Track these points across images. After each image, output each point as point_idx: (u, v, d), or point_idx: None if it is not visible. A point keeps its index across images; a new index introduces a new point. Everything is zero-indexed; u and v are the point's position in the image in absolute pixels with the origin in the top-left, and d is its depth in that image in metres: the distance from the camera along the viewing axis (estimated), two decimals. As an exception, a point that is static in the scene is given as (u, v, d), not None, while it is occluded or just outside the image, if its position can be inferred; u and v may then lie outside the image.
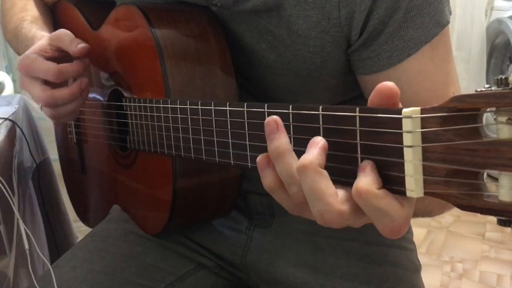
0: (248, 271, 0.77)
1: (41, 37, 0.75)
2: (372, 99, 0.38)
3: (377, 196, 0.36)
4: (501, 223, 0.32)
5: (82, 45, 0.68)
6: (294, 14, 0.60)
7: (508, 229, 2.16)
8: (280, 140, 0.40)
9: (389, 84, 0.37)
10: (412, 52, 0.58)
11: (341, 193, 0.38)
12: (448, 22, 0.59)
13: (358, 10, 0.57)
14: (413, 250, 0.79)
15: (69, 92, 0.69)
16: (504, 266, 1.92)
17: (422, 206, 0.54)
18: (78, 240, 1.10)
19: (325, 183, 0.37)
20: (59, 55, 0.70)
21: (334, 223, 0.38)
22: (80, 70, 0.70)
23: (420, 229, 2.16)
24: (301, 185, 0.39)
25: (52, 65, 0.67)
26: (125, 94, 0.72)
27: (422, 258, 0.79)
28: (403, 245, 0.77)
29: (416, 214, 0.57)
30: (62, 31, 0.70)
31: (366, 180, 0.36)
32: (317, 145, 0.38)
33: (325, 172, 0.38)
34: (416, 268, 0.77)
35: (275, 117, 0.40)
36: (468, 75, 2.56)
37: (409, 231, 0.80)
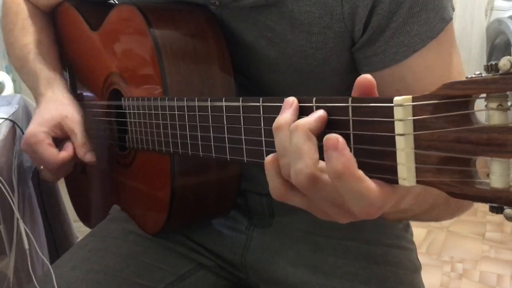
0: (247, 271, 0.77)
1: (50, 92, 0.80)
2: (353, 93, 0.39)
3: (357, 179, 0.36)
4: (493, 210, 0.32)
5: (89, 156, 0.75)
6: (295, 10, 0.59)
7: (508, 229, 2.16)
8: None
9: (367, 76, 0.38)
10: (418, 48, 0.57)
11: (323, 163, 0.38)
12: (451, 18, 0.59)
13: (361, 5, 0.57)
14: (413, 250, 0.79)
15: (68, 164, 0.77)
16: (504, 266, 1.92)
17: (423, 207, 0.54)
18: (78, 240, 1.10)
19: (308, 146, 0.38)
20: (65, 137, 0.77)
21: (304, 186, 0.38)
22: (76, 159, 0.77)
23: (420, 229, 2.16)
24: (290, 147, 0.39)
25: (53, 158, 0.74)
26: (124, 94, 0.72)
27: (422, 258, 0.79)
28: (403, 245, 0.77)
29: (420, 217, 0.57)
30: (76, 125, 0.76)
31: (342, 160, 0.36)
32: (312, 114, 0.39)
33: (313, 137, 0.38)
34: (416, 268, 0.77)
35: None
36: (468, 75, 2.56)
37: (409, 231, 0.80)
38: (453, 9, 0.60)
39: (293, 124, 0.39)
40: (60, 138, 0.77)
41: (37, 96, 0.82)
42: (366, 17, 0.57)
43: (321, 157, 0.38)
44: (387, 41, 0.58)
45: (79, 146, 0.75)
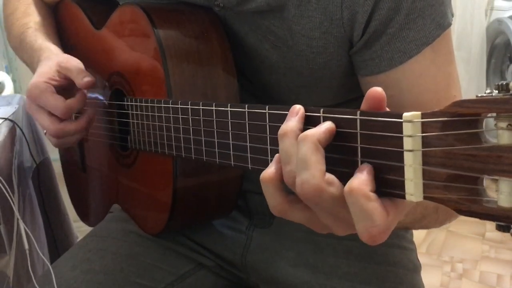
0: (248, 271, 0.77)
1: (48, 53, 0.76)
2: (363, 106, 0.38)
3: (366, 197, 0.36)
4: (500, 228, 0.32)
5: (87, 78, 0.70)
6: (297, 15, 0.60)
7: (508, 229, 2.16)
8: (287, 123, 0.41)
9: (378, 89, 0.38)
10: (413, 54, 0.58)
11: (331, 176, 0.38)
12: (449, 25, 0.59)
13: (361, 11, 0.57)
14: (413, 250, 0.79)
15: (77, 126, 0.72)
16: (504, 266, 1.92)
17: (415, 217, 0.54)
18: (78, 240, 1.10)
19: (316, 157, 0.37)
20: (66, 83, 0.72)
21: (309, 197, 0.38)
22: (84, 103, 0.72)
23: (420, 229, 2.16)
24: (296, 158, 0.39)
25: (60, 102, 0.69)
26: (127, 94, 0.72)
27: (422, 258, 0.79)
28: (403, 245, 0.77)
29: (412, 226, 0.57)
30: (71, 61, 0.72)
31: (360, 179, 0.36)
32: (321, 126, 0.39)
33: (321, 149, 0.38)
34: (416, 268, 0.77)
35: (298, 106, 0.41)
36: (468, 75, 2.56)
37: (409, 231, 0.80)
38: (453, 15, 0.60)
39: (302, 134, 0.38)
40: (64, 86, 0.72)
41: (34, 66, 0.77)
42: (365, 23, 0.57)
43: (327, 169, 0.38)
44: (383, 46, 0.58)
45: (75, 74, 0.70)
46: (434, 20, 0.57)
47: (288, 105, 0.43)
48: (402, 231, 0.78)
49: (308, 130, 0.39)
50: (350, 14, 0.58)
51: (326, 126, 0.39)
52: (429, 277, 1.84)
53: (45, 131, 0.73)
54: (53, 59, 0.73)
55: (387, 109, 0.39)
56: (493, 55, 2.63)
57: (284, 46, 0.63)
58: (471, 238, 2.12)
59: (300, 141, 0.38)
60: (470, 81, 2.57)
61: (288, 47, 0.62)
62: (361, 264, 0.73)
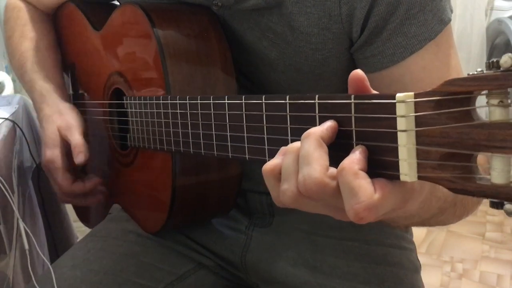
0: (247, 270, 0.77)
1: (48, 101, 0.82)
2: (350, 91, 0.40)
3: (354, 174, 0.36)
4: (493, 205, 0.32)
5: (81, 157, 0.76)
6: (295, 11, 0.60)
7: (508, 229, 2.16)
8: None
9: (357, 71, 0.39)
10: (415, 49, 0.58)
11: (332, 169, 0.38)
12: (450, 20, 0.59)
13: (359, 6, 0.57)
14: (413, 250, 0.79)
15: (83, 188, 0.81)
16: (504, 266, 1.92)
17: (432, 212, 0.53)
18: (78, 240, 1.10)
19: (319, 152, 0.38)
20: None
21: (312, 193, 0.37)
22: (91, 189, 0.81)
23: (420, 229, 2.16)
24: (298, 152, 0.39)
25: (66, 184, 0.79)
26: (126, 93, 0.72)
27: (422, 258, 0.79)
28: (403, 245, 0.77)
29: (429, 222, 0.56)
30: (69, 133, 0.78)
31: (351, 159, 0.36)
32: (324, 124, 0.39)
33: (324, 145, 0.38)
34: (416, 268, 0.77)
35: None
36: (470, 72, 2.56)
37: (409, 231, 0.80)
38: (452, 11, 0.60)
39: (305, 132, 0.39)
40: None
41: (36, 109, 0.85)
42: (363, 18, 0.57)
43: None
44: (385, 42, 0.58)
45: (73, 148, 0.77)
46: (436, 15, 0.57)
47: None
48: (402, 231, 0.78)
49: (312, 128, 0.39)
50: (348, 10, 0.58)
51: (329, 123, 0.39)
52: (429, 277, 1.84)
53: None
54: (55, 123, 0.79)
55: (377, 93, 0.39)
56: (493, 55, 2.63)
57: (283, 43, 0.63)
58: (471, 238, 2.12)
59: (304, 139, 0.39)
60: (470, 81, 2.56)
61: (287, 43, 0.62)
62: (361, 264, 0.73)
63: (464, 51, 2.55)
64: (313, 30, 0.60)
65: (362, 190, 0.35)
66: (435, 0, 0.57)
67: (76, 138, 0.77)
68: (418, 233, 2.10)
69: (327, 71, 0.64)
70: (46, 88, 0.83)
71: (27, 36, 0.88)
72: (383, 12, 0.56)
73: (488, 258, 1.98)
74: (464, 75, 0.33)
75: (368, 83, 0.39)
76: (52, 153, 0.78)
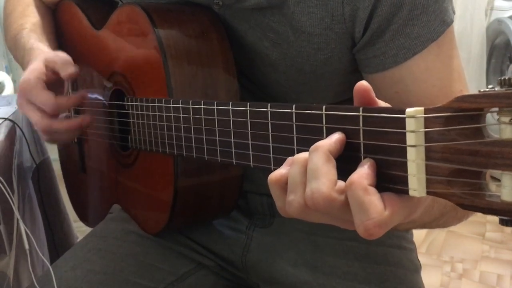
0: (248, 270, 0.77)
1: (38, 52, 0.76)
2: (355, 103, 0.39)
3: (363, 190, 0.36)
4: (503, 222, 0.32)
5: (71, 69, 0.70)
6: (297, 11, 0.60)
7: (508, 229, 2.16)
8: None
9: (362, 82, 0.39)
10: (418, 50, 0.58)
11: (340, 183, 0.38)
12: (452, 21, 0.59)
13: (362, 6, 0.57)
14: (413, 250, 0.79)
15: (67, 126, 0.73)
16: (504, 266, 1.92)
17: (433, 216, 0.53)
18: (78, 240, 1.10)
19: (328, 167, 0.37)
20: (55, 78, 0.72)
21: (320, 207, 0.37)
22: (76, 104, 0.73)
23: (420, 229, 2.15)
24: (306, 165, 0.39)
25: (50, 98, 0.70)
26: (127, 94, 0.72)
27: (422, 258, 0.79)
28: (403, 245, 0.77)
29: (430, 225, 0.56)
30: (57, 54, 0.72)
31: (360, 173, 0.36)
32: (332, 136, 0.39)
33: (333, 159, 0.38)
34: (416, 268, 0.77)
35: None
36: (468, 75, 2.53)
37: (409, 231, 0.80)
38: (454, 12, 0.60)
39: (313, 145, 0.39)
40: (53, 81, 0.73)
41: (25, 65, 0.77)
42: (366, 19, 0.57)
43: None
44: (387, 43, 0.58)
45: (60, 66, 0.71)
46: (438, 17, 0.57)
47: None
48: (402, 232, 0.78)
49: (320, 141, 0.39)
50: (351, 10, 0.58)
51: (337, 136, 0.39)
52: (429, 277, 1.84)
53: (33, 124, 0.74)
54: (41, 55, 0.73)
55: (383, 103, 0.39)
56: (493, 55, 2.63)
57: (284, 43, 0.63)
58: (471, 238, 2.12)
59: (312, 152, 0.38)
60: (470, 81, 2.55)
61: (289, 43, 0.62)
62: (361, 264, 0.73)
63: (464, 51, 2.55)
64: (315, 30, 0.60)
65: (373, 207, 0.35)
66: (438, 1, 0.57)
67: (66, 56, 0.71)
68: (418, 233, 2.10)
69: (329, 71, 0.64)
70: (39, 47, 0.79)
71: (28, 15, 0.87)
72: (386, 12, 0.56)
73: (488, 258, 1.98)
74: (465, 76, 0.32)
75: (373, 94, 0.39)
76: (28, 76, 0.70)
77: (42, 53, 0.76)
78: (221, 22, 0.67)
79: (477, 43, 2.58)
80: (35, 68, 0.71)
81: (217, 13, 0.67)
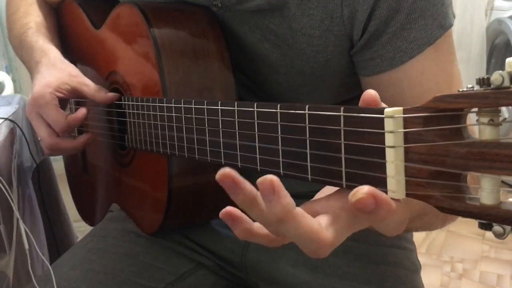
0: (247, 270, 0.77)
1: (49, 55, 0.76)
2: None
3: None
4: (482, 226, 0.31)
5: (109, 94, 0.72)
6: (298, 13, 0.60)
7: (508, 229, 2.16)
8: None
9: (370, 91, 0.38)
10: (414, 53, 0.58)
11: (323, 220, 0.36)
12: (451, 25, 0.59)
13: (361, 9, 0.57)
14: (413, 250, 0.79)
15: (72, 146, 0.75)
16: (504, 266, 1.92)
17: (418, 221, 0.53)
18: (78, 240, 1.10)
19: (308, 225, 0.35)
20: (70, 97, 0.74)
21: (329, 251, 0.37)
22: (83, 120, 0.73)
23: (420, 229, 2.15)
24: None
25: (62, 118, 0.70)
26: (124, 93, 0.72)
27: (422, 258, 0.79)
28: (403, 245, 0.77)
29: (413, 226, 0.56)
30: (86, 80, 0.73)
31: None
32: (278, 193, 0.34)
33: (303, 214, 0.35)
34: (416, 268, 0.77)
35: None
36: (468, 75, 2.56)
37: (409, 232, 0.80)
38: (454, 16, 0.60)
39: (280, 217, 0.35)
40: (66, 98, 0.74)
41: (32, 65, 0.78)
42: (364, 21, 0.57)
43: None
44: (384, 45, 0.58)
45: (95, 90, 0.72)
46: (436, 20, 0.57)
47: None
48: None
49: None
50: (350, 12, 0.58)
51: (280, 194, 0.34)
52: (429, 277, 1.84)
53: (39, 138, 0.75)
54: (63, 69, 0.74)
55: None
56: (493, 55, 2.63)
57: (284, 45, 0.63)
58: (471, 238, 2.12)
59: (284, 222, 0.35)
60: (470, 82, 2.55)
61: (289, 45, 0.62)
62: (361, 264, 0.73)
63: (464, 51, 2.55)
64: (315, 32, 0.60)
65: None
66: (436, 5, 0.57)
67: (89, 82, 0.72)
68: (418, 233, 2.10)
69: (328, 73, 0.64)
70: (47, 47, 0.79)
71: (32, 14, 0.87)
72: (384, 15, 0.56)
73: (488, 258, 1.98)
74: (462, 81, 0.32)
75: (380, 102, 0.38)
76: (44, 90, 0.70)
77: (58, 61, 0.75)
78: (218, 22, 0.67)
79: (477, 43, 2.58)
80: (52, 81, 0.71)
81: (216, 14, 0.67)
